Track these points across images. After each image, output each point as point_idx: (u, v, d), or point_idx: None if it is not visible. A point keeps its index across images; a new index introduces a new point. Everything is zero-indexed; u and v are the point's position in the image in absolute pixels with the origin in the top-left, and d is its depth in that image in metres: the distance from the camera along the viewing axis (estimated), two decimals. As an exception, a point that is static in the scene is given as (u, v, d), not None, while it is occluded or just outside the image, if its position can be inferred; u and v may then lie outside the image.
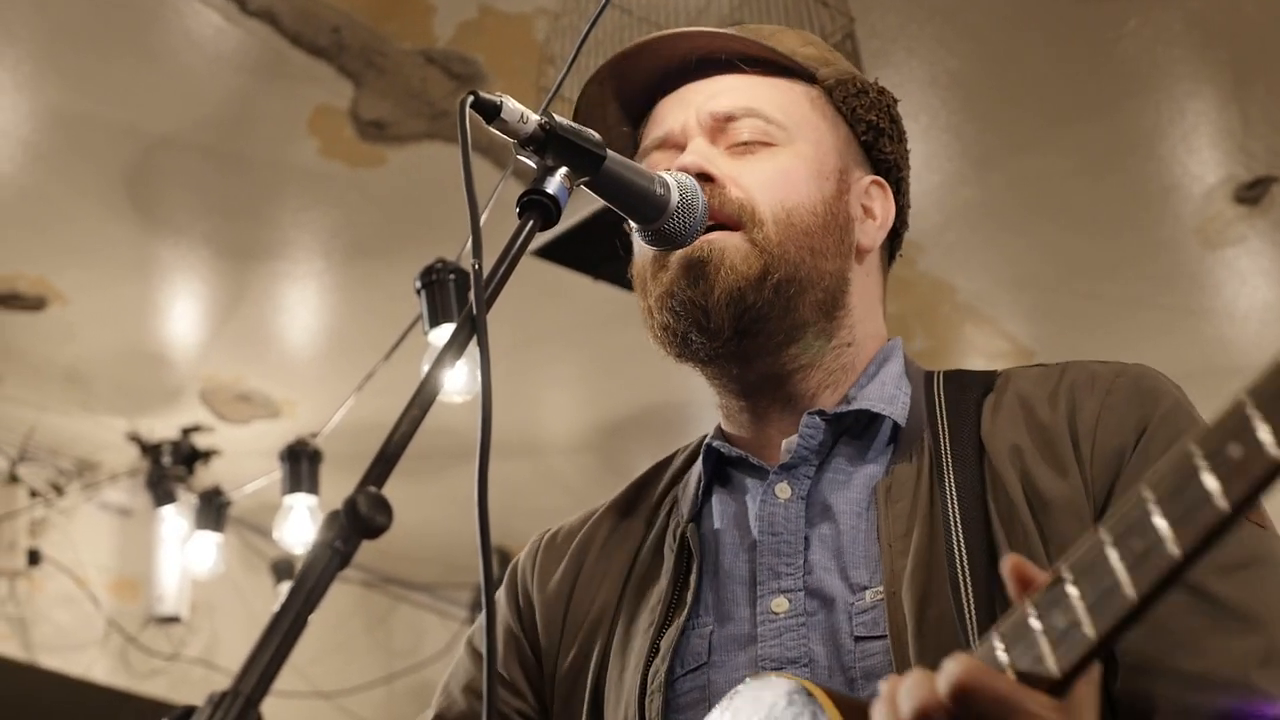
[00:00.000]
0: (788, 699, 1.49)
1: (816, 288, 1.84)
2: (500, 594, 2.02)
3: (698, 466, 1.91)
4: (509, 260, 1.60)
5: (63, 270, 5.68)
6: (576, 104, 1.94)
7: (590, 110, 1.95)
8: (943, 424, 1.77)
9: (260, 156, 5.08)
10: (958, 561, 1.61)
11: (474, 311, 1.50)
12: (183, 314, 6.01)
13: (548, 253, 4.14)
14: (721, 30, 1.93)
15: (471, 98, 1.63)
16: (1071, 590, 1.12)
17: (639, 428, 6.98)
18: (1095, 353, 1.94)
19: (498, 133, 1.66)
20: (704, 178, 1.81)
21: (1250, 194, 5.53)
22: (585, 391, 6.80)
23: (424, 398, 1.46)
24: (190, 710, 1.21)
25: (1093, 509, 1.63)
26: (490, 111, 1.64)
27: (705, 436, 1.93)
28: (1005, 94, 5.02)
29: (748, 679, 1.59)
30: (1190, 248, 5.86)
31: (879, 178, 1.96)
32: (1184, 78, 4.88)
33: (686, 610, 1.78)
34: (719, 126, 1.88)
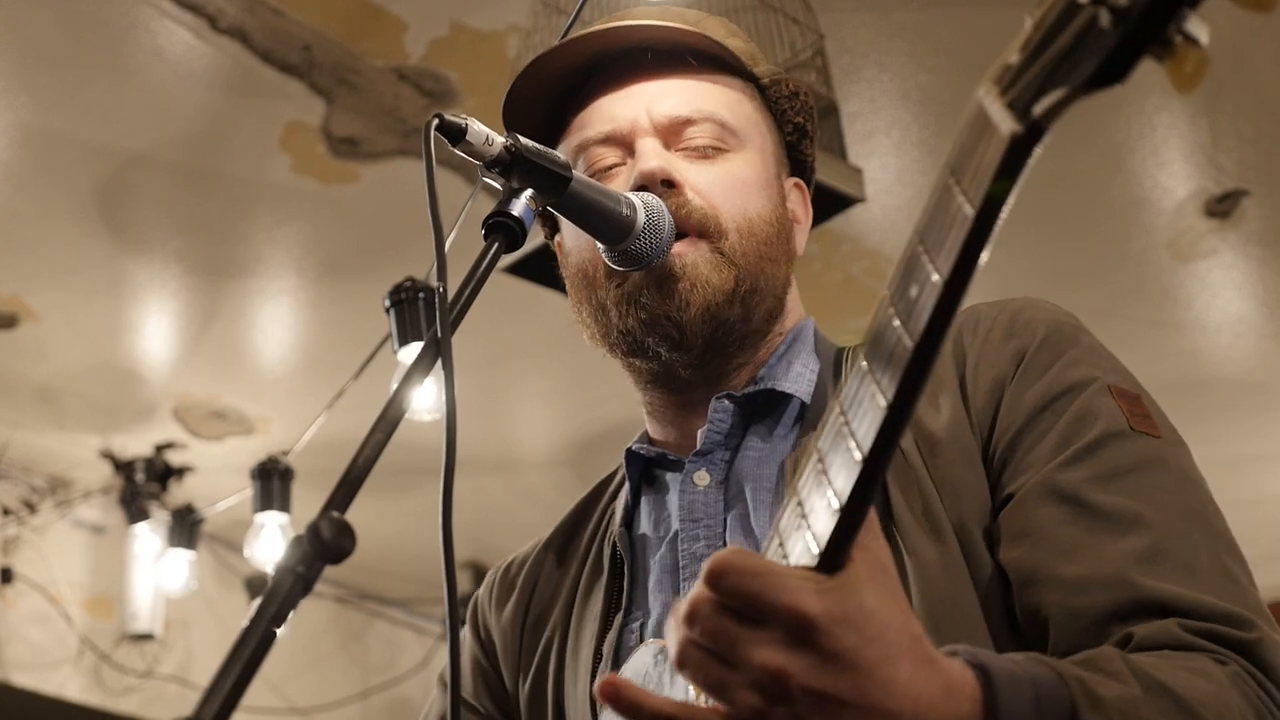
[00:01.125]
0: (654, 660, 1.57)
1: (769, 296, 1.84)
2: (465, 631, 2.04)
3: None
4: (474, 282, 1.61)
5: (35, 288, 5.66)
6: (508, 95, 1.90)
7: (518, 103, 1.91)
8: None
9: (232, 174, 5.07)
10: None
11: (439, 334, 1.51)
12: (156, 331, 6.00)
13: (520, 270, 4.14)
14: (670, 24, 1.88)
15: (437, 120, 1.63)
16: (819, 466, 1.14)
17: (613, 442, 6.93)
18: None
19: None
20: (667, 183, 1.80)
21: (1220, 207, 5.56)
22: (559, 406, 6.80)
23: (388, 421, 1.46)
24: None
25: (979, 442, 1.63)
26: (456, 134, 1.64)
27: None
28: (976, 109, 5.04)
29: (633, 652, 1.65)
30: (1162, 260, 5.89)
31: (798, 179, 1.97)
32: (1154, 91, 4.90)
33: (623, 611, 1.80)
34: (673, 129, 1.86)
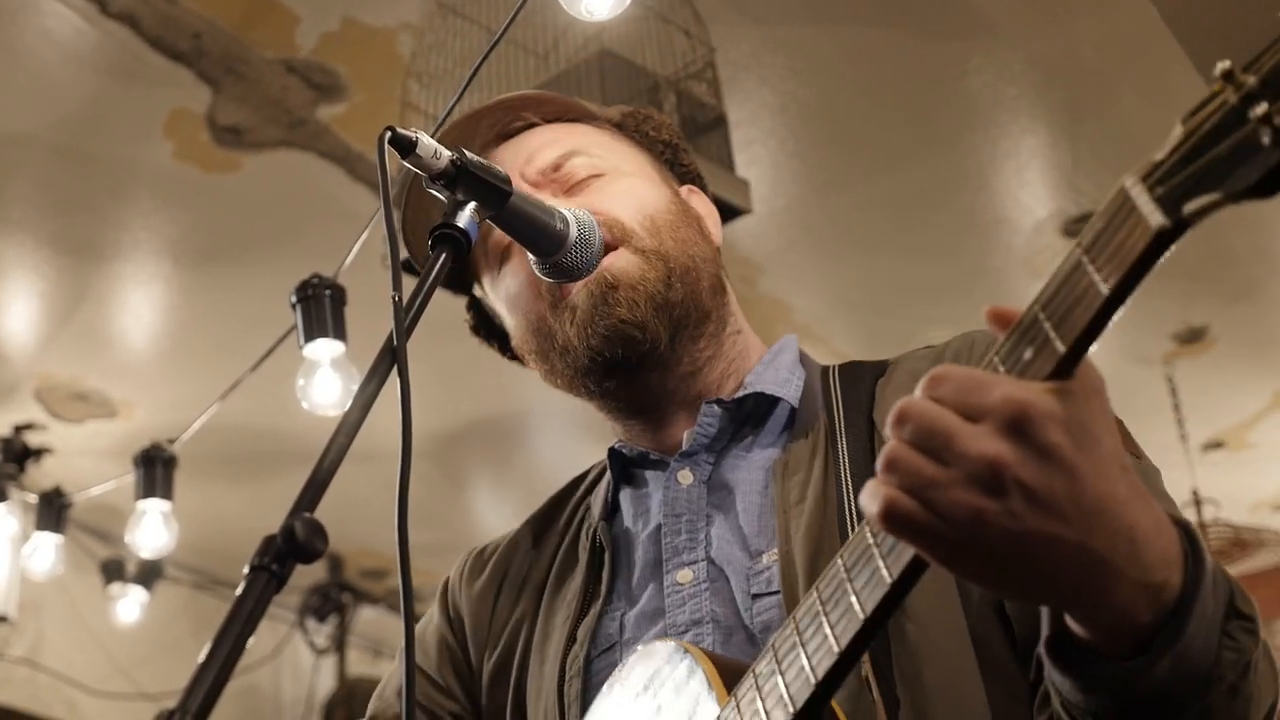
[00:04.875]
0: (668, 659, 1.61)
1: (703, 273, 1.93)
2: (434, 607, 2.11)
3: (608, 473, 1.99)
4: (425, 292, 1.67)
5: (-103, 263, 5.58)
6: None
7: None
8: (837, 405, 1.85)
9: (113, 157, 5.04)
10: (848, 516, 1.69)
11: (394, 343, 1.57)
12: (22, 310, 5.93)
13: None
14: (525, 93, 2.06)
15: (389, 133, 1.69)
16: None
17: (475, 437, 7.03)
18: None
19: (401, 161, 1.72)
20: None
21: (1078, 228, 5.75)
22: (422, 401, 6.67)
23: (348, 425, 1.52)
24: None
25: None
26: (406, 147, 1.70)
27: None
28: (851, 124, 5.17)
29: (637, 649, 1.69)
30: (1019, 277, 6.08)
31: (692, 186, 2.10)
32: (1021, 115, 5.07)
33: (602, 600, 1.86)
34: (549, 177, 1.97)
